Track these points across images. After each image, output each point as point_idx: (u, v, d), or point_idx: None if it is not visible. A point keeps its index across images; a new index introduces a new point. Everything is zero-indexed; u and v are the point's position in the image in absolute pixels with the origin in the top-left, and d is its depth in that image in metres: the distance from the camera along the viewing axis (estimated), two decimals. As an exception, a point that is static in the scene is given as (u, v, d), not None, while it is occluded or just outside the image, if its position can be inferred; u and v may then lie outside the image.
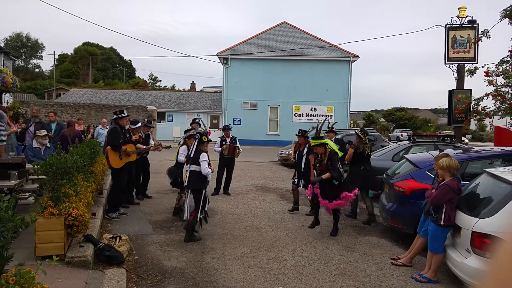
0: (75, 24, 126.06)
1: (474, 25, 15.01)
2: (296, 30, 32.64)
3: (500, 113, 8.56)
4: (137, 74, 70.23)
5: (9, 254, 3.01)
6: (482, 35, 10.31)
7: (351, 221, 7.63)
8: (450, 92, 15.14)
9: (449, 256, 4.66)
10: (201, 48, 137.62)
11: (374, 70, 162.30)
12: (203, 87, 46.83)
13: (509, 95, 8.15)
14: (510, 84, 8.12)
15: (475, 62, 14.55)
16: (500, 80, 8.30)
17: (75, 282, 4.05)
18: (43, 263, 2.88)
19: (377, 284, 4.69)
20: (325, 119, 8.35)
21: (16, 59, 37.48)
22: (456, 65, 15.33)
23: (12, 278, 2.58)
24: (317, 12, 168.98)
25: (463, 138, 18.48)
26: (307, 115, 29.02)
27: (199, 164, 5.91)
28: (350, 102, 29.25)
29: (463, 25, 15.19)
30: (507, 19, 8.76)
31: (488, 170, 5.12)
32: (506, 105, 8.11)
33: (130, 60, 69.97)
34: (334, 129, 8.98)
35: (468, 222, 4.40)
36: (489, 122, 9.34)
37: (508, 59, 8.42)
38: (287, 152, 15.18)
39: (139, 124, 8.59)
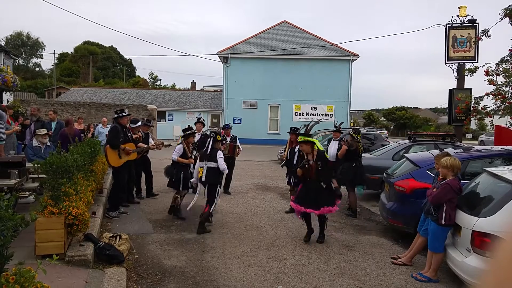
0: (75, 23, 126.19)
1: (475, 24, 15.00)
2: (296, 29, 32.59)
3: (500, 112, 8.55)
4: (137, 73, 70.36)
5: (9, 253, 3.01)
6: (482, 34, 10.28)
7: (351, 221, 7.63)
8: (451, 91, 15.14)
9: (449, 255, 4.66)
10: (201, 47, 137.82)
11: (374, 69, 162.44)
12: (204, 86, 46.74)
13: (510, 95, 8.14)
14: (510, 84, 8.11)
15: (475, 61, 14.55)
16: (500, 80, 8.31)
17: (75, 281, 4.05)
18: (43, 262, 2.88)
19: (377, 283, 4.69)
20: (318, 120, 8.28)
21: (16, 58, 37.45)
22: (457, 64, 15.33)
23: (12, 277, 2.58)
24: (317, 11, 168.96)
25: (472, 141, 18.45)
26: (307, 114, 28.99)
27: (216, 161, 6.45)
28: (350, 101, 29.22)
29: (464, 24, 15.19)
30: (507, 19, 8.74)
31: (488, 169, 5.11)
32: (507, 104, 8.10)
33: (131, 59, 70.05)
34: (340, 129, 8.91)
35: (468, 221, 4.40)
36: (489, 121, 9.32)
37: (508, 58, 8.41)
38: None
39: (139, 123, 8.60)
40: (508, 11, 8.63)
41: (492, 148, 7.61)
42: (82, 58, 59.25)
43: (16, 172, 6.14)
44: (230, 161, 9.63)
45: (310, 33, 32.05)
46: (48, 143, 8.13)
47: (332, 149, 8.99)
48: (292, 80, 28.76)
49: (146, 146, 8.19)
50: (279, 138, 27.00)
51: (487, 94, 8.44)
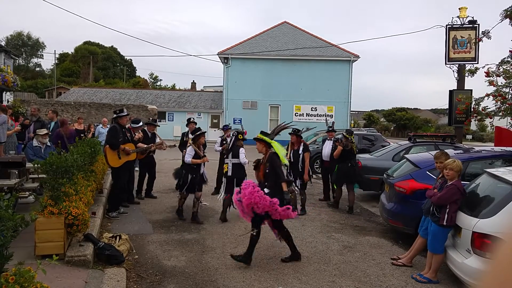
0: (76, 23, 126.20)
1: (475, 25, 15.01)
2: (296, 30, 32.60)
3: (500, 114, 8.55)
4: (137, 73, 70.26)
5: (8, 253, 3.01)
6: (482, 36, 10.29)
7: (351, 221, 7.63)
8: (451, 92, 15.15)
9: (450, 256, 4.66)
10: (201, 47, 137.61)
11: (374, 70, 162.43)
12: (204, 87, 46.79)
13: (510, 96, 8.14)
14: (510, 85, 8.11)
15: (476, 62, 14.57)
16: (500, 81, 8.31)
17: (74, 281, 4.05)
18: (42, 262, 2.88)
19: (377, 284, 4.69)
20: (289, 122, 7.55)
21: (17, 58, 37.48)
22: (457, 65, 15.34)
23: (11, 277, 2.58)
24: (317, 12, 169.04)
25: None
26: (307, 115, 29.00)
27: (238, 157, 7.18)
28: (350, 102, 29.22)
29: (464, 26, 15.20)
30: (507, 20, 8.75)
31: (488, 170, 5.11)
32: (507, 105, 8.10)
33: (131, 59, 69.92)
34: (333, 128, 9.19)
35: (469, 223, 4.39)
36: (490, 122, 9.32)
37: (509, 59, 8.41)
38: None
39: (141, 123, 8.58)
40: (508, 12, 8.63)
41: (493, 149, 7.61)
42: (83, 58, 59.26)
43: (16, 172, 6.14)
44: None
45: (310, 33, 32.06)
46: (48, 143, 8.13)
47: (327, 149, 9.06)
48: (293, 81, 28.76)
49: (146, 146, 8.17)
50: (279, 139, 26.78)
51: (488, 95, 8.45)
